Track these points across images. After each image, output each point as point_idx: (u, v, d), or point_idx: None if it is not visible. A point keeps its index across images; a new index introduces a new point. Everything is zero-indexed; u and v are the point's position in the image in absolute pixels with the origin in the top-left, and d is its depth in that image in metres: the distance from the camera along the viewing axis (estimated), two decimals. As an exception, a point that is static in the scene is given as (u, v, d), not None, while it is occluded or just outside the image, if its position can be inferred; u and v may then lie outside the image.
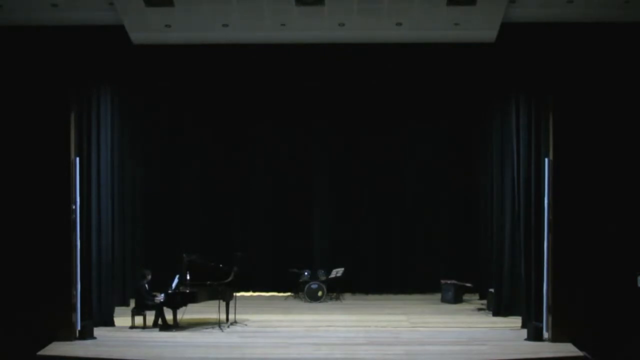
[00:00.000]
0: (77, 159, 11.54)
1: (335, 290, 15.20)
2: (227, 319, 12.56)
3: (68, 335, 11.27)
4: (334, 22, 10.93)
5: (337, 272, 15.12)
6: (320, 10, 10.68)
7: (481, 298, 14.80)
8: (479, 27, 10.92)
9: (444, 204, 15.92)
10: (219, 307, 12.36)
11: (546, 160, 11.39)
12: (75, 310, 11.41)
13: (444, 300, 14.85)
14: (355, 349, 10.92)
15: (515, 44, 11.28)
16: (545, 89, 11.49)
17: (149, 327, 12.29)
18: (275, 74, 12.68)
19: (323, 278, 15.09)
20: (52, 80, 11.32)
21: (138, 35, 11.14)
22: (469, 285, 14.92)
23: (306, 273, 15.22)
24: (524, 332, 11.65)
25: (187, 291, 12.31)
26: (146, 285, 12.57)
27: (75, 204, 11.43)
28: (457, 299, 14.75)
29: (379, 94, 14.88)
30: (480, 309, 14.03)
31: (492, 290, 13.63)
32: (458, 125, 15.69)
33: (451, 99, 14.94)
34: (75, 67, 11.47)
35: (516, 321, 12.42)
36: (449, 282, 14.92)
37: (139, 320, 12.34)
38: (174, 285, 12.40)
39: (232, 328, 12.35)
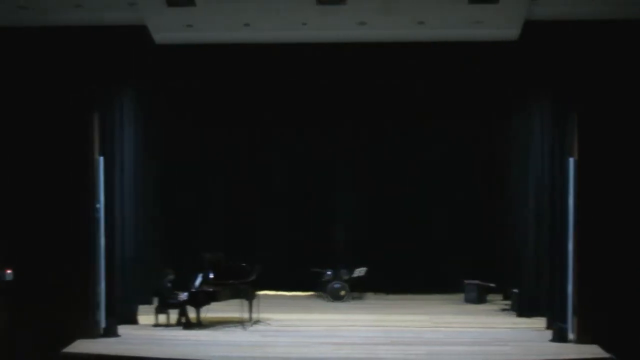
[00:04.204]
0: (101, 158, 11.65)
1: (357, 289, 15.16)
2: (250, 318, 12.59)
3: (92, 333, 11.35)
4: (355, 21, 10.90)
5: (360, 271, 15.07)
6: (341, 9, 10.66)
7: (505, 298, 14.61)
8: (501, 25, 10.81)
9: (467, 203, 15.74)
10: (242, 305, 12.40)
11: (571, 159, 11.24)
12: (99, 308, 11.51)
13: (467, 300, 14.72)
14: (377, 349, 10.87)
15: (539, 42, 11.15)
16: (570, 87, 11.32)
17: (172, 326, 12.37)
18: (296, 73, 12.64)
19: (346, 277, 15.04)
20: (76, 80, 11.44)
21: (160, 35, 11.21)
22: (492, 285, 14.75)
23: (328, 272, 15.18)
24: (549, 333, 11.47)
25: (210, 290, 12.35)
26: (169, 284, 12.64)
27: (99, 202, 11.55)
28: (480, 300, 14.62)
29: (400, 93, 14.80)
30: (504, 310, 13.88)
31: (516, 290, 13.49)
32: (481, 124, 15.50)
33: (474, 97, 14.78)
34: (98, 67, 11.58)
35: (541, 322, 12.26)
36: (472, 282, 14.78)
37: (162, 318, 12.42)
38: (197, 283, 12.45)
39: (255, 327, 12.38)
